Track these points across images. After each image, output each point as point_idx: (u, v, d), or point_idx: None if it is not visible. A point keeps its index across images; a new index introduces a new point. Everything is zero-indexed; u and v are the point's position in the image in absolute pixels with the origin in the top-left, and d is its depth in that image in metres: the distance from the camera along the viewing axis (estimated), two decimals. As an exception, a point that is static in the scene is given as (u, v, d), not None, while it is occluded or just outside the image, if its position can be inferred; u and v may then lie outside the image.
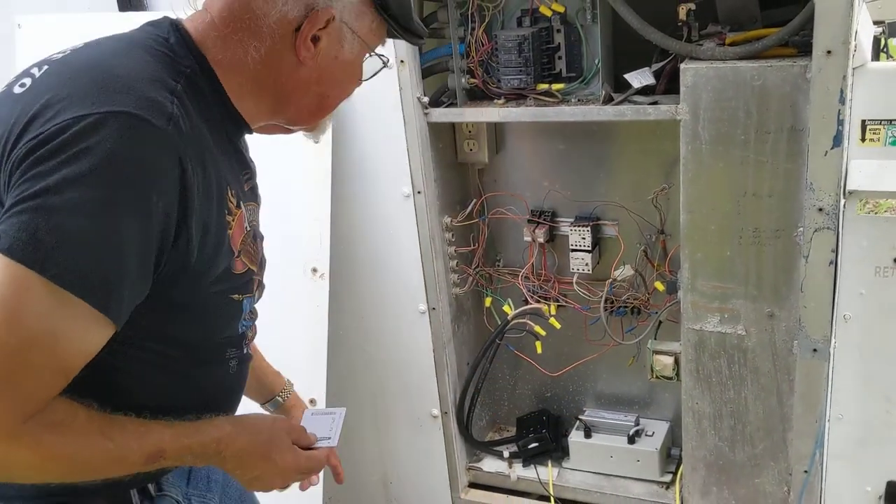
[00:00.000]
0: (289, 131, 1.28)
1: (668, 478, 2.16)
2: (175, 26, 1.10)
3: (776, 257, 1.74)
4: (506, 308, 2.22)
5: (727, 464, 1.97)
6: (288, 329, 1.97)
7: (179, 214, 0.99)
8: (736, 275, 1.79)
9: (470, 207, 2.16)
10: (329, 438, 1.29)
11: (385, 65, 1.24)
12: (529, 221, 2.15)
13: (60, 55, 1.06)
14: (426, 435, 2.25)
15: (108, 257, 0.93)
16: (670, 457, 2.21)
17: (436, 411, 2.22)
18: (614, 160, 2.08)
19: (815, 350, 1.76)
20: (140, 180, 0.94)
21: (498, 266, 2.29)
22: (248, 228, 1.17)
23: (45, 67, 1.03)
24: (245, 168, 1.22)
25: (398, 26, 1.16)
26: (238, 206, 1.12)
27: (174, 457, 1.07)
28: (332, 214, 2.03)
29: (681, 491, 2.08)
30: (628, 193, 2.07)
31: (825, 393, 1.78)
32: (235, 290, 1.15)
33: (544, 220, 2.14)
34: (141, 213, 0.94)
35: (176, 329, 1.10)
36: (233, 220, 1.10)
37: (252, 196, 1.22)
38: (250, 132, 1.21)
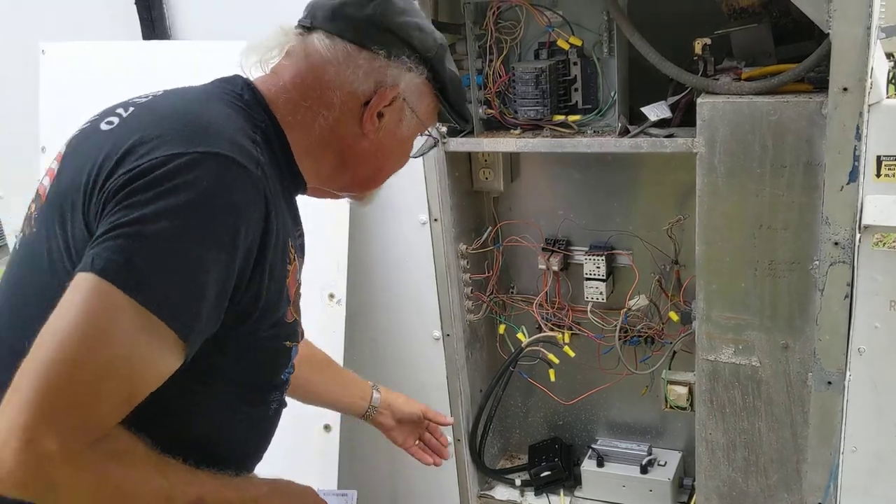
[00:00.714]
0: (336, 197, 1.33)
1: (680, 508, 2.16)
2: (248, 84, 1.15)
3: (791, 289, 1.75)
4: (519, 335, 2.23)
5: (740, 494, 1.97)
6: (304, 354, 1.98)
7: (258, 254, 1.03)
8: (751, 306, 1.80)
9: (485, 235, 2.18)
10: None
11: (436, 144, 1.34)
12: (544, 249, 2.17)
13: (145, 99, 1.11)
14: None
15: (195, 287, 0.95)
16: (683, 487, 2.21)
17: (448, 438, 2.22)
18: (629, 190, 2.10)
19: (829, 382, 1.76)
20: (231, 217, 0.98)
21: (512, 293, 2.30)
22: (299, 282, 1.22)
23: (132, 109, 1.07)
24: (298, 224, 1.25)
25: (452, 110, 1.25)
26: (293, 259, 1.16)
27: None
28: (350, 240, 2.05)
29: (694, 521, 2.08)
30: (643, 223, 2.09)
31: (839, 425, 1.79)
32: (287, 337, 1.19)
33: (559, 248, 2.16)
34: (228, 249, 0.98)
35: (229, 368, 1.12)
36: (290, 270, 1.14)
37: (301, 253, 1.25)
38: (305, 192, 1.26)
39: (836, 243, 1.65)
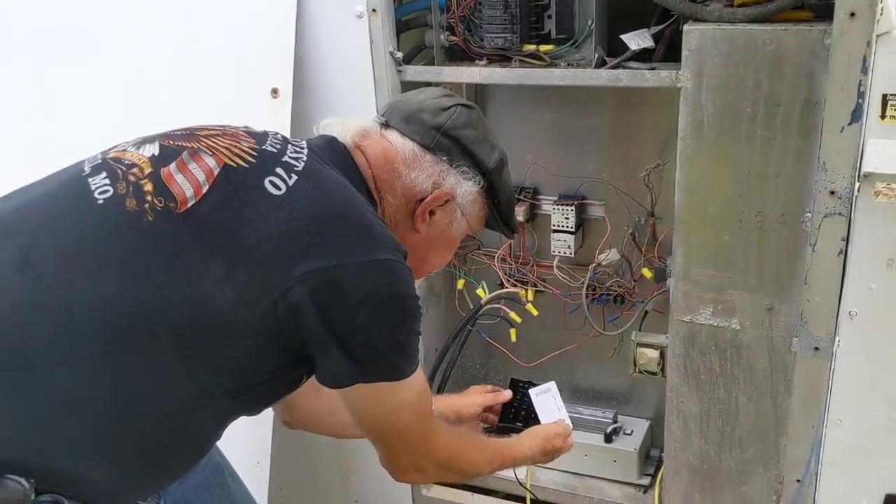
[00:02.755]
0: None
1: (646, 480, 2.01)
2: (350, 156, 1.25)
3: (780, 245, 1.58)
4: (479, 292, 2.05)
5: (712, 469, 1.82)
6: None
7: None
8: (734, 263, 1.63)
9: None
10: (564, 419, 1.58)
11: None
12: (509, 198, 1.98)
13: (300, 165, 1.15)
14: (387, 426, 2.07)
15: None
16: (649, 458, 2.05)
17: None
18: (604, 133, 1.91)
19: (816, 348, 1.60)
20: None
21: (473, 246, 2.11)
22: None
23: (295, 180, 1.12)
24: None
25: (501, 220, 1.37)
26: None
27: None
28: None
29: (660, 496, 1.92)
30: (618, 171, 1.90)
31: (825, 395, 1.63)
32: None
33: (525, 196, 1.97)
34: None
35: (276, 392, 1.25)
36: None
37: None
38: None
39: (833, 192, 1.48)
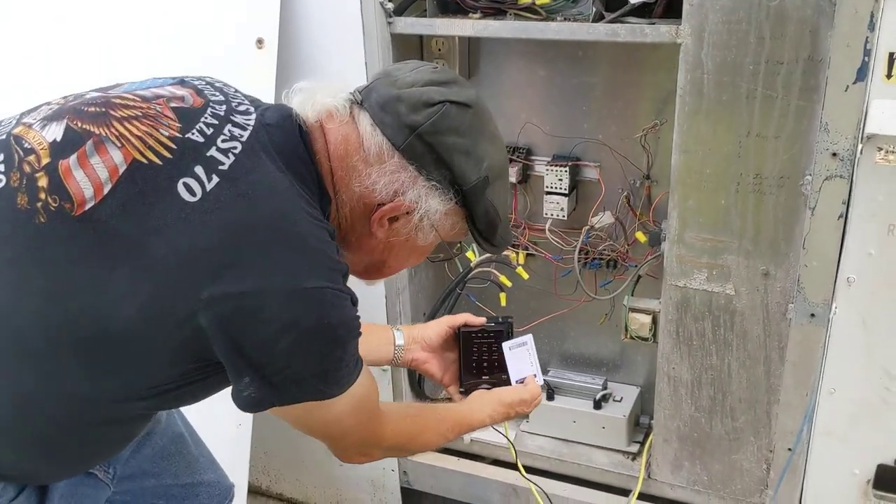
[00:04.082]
0: None
1: (635, 448, 1.98)
2: (304, 140, 1.07)
3: (778, 208, 1.54)
4: (469, 254, 1.99)
5: (702, 436, 1.79)
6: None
7: None
8: (730, 226, 1.59)
9: (435, 137, 1.92)
10: (536, 375, 1.48)
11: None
12: (501, 158, 1.92)
13: (224, 165, 0.99)
14: (373, 389, 2.03)
15: None
16: (639, 425, 2.02)
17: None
18: (601, 92, 1.85)
19: (812, 315, 1.57)
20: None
21: (463, 207, 2.06)
22: None
23: (216, 183, 0.97)
24: None
25: (481, 237, 1.15)
26: None
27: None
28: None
29: (648, 463, 1.90)
30: (614, 131, 1.84)
31: (819, 364, 1.60)
32: None
33: (518, 157, 1.91)
34: None
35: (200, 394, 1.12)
36: None
37: None
38: None
39: (835, 154, 1.44)
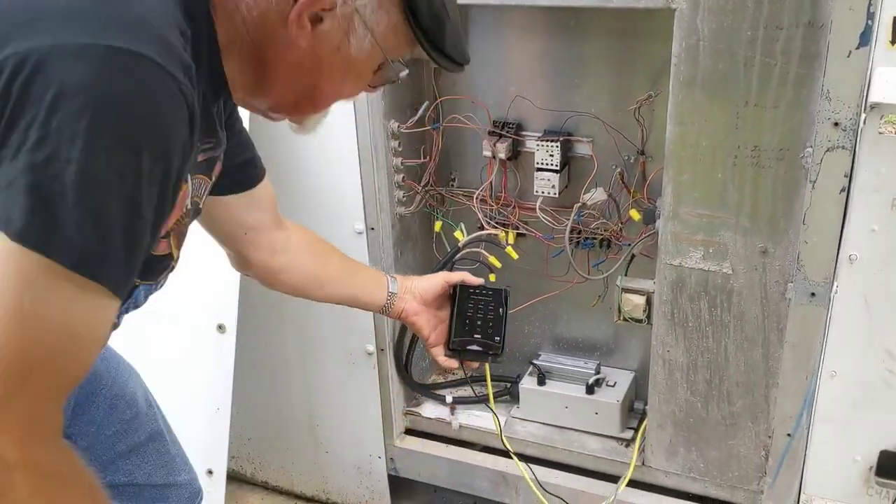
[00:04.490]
0: (271, 118, 1.03)
1: (628, 434, 1.91)
2: None
3: (776, 182, 1.47)
4: (457, 234, 1.93)
5: (698, 422, 1.73)
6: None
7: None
8: (727, 201, 1.52)
9: (421, 111, 1.85)
10: None
11: (396, 80, 1.01)
12: (490, 133, 1.85)
13: None
14: (359, 373, 1.97)
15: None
16: (633, 411, 1.96)
17: (371, 347, 1.94)
18: (593, 63, 1.77)
19: (812, 294, 1.50)
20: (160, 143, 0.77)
21: (452, 186, 1.99)
22: (188, 207, 0.94)
23: None
24: (211, 136, 0.98)
25: (427, 41, 0.93)
26: (186, 179, 0.90)
27: None
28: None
29: (642, 449, 1.83)
30: (607, 104, 1.77)
31: (819, 345, 1.53)
32: (140, 275, 0.86)
33: (507, 132, 1.84)
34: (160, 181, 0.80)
35: None
36: (181, 193, 0.88)
37: (206, 168, 1.00)
38: (229, 98, 0.99)
39: (837, 124, 1.37)
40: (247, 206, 1.26)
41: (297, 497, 2.23)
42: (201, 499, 1.41)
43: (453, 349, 1.50)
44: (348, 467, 2.10)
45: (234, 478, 2.28)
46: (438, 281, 1.49)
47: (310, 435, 2.10)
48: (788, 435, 1.63)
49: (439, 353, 1.51)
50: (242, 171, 1.21)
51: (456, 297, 1.49)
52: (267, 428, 2.16)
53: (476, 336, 1.48)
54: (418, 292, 1.47)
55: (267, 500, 2.25)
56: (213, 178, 1.05)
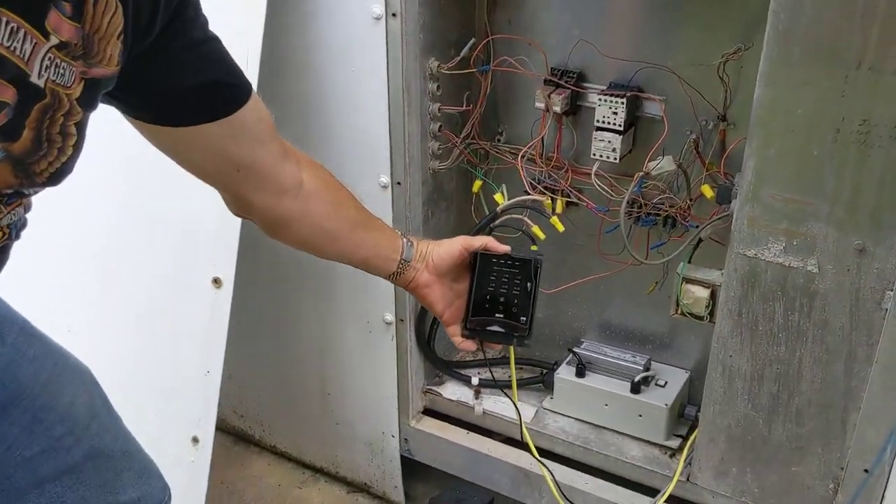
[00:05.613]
0: None
1: (675, 443, 1.67)
2: None
3: (886, 167, 1.19)
4: (497, 197, 1.69)
5: (758, 440, 1.47)
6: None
7: None
8: (821, 186, 1.24)
9: (465, 50, 1.60)
10: None
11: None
12: (546, 82, 1.59)
13: None
14: (376, 344, 1.77)
15: None
16: (683, 417, 1.71)
17: (389, 316, 1.72)
18: (674, 5, 1.49)
19: (917, 308, 1.22)
20: None
21: (498, 140, 1.75)
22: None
23: None
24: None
25: None
26: None
27: None
28: (267, 36, 1.49)
29: (689, 462, 1.59)
30: (687, 56, 1.49)
31: (918, 370, 1.26)
32: None
33: (567, 81, 1.58)
34: None
35: None
36: None
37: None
38: None
39: (977, 98, 1.07)
40: (230, 136, 1.01)
41: (306, 466, 2.06)
42: None
43: (471, 329, 1.27)
44: (359, 442, 1.92)
45: (241, 438, 2.13)
46: (456, 247, 1.25)
47: (321, 403, 1.92)
48: (866, 471, 1.37)
49: (456, 333, 1.29)
50: (205, 94, 0.96)
51: (476, 264, 1.25)
52: (278, 389, 1.99)
53: (498, 315, 1.26)
54: (432, 260, 1.24)
55: (274, 465, 2.09)
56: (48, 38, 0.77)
